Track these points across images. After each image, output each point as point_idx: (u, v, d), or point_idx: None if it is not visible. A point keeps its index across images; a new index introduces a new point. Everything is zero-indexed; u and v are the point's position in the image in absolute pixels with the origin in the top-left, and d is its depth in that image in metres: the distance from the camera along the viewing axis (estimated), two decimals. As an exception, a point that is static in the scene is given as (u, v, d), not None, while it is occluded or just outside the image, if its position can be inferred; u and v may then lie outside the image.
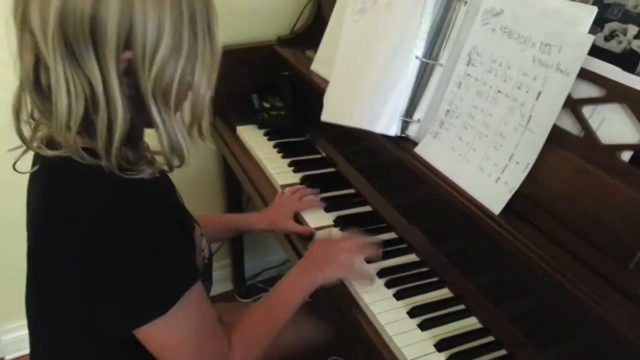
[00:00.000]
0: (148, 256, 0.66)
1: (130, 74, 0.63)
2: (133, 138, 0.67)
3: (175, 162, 0.71)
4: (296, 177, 1.31)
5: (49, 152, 0.67)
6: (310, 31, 1.58)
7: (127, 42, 0.61)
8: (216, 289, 2.02)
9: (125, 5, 0.59)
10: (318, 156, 1.41)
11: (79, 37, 0.59)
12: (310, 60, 1.44)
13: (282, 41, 1.61)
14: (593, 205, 0.78)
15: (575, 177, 0.81)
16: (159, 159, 0.71)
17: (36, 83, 0.63)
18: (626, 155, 0.76)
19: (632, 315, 0.70)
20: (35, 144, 0.69)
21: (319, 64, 1.38)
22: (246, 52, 1.59)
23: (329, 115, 1.19)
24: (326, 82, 1.31)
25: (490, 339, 0.92)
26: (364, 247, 1.01)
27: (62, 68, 0.60)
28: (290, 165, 1.35)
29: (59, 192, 0.68)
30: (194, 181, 1.77)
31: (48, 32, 0.59)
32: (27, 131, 0.69)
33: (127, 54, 0.62)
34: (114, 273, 0.65)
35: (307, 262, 0.99)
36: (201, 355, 0.75)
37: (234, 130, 1.53)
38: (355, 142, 1.29)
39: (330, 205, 1.20)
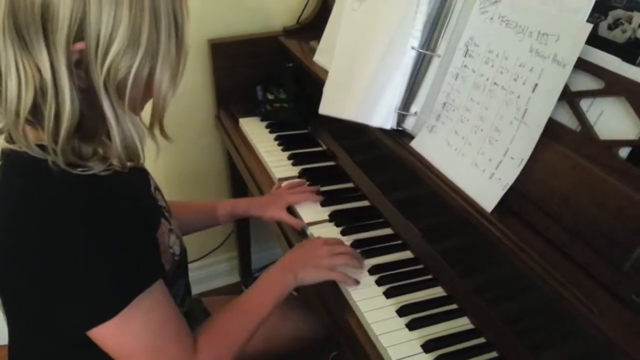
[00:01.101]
0: (99, 256, 0.64)
1: (82, 66, 0.62)
2: (88, 132, 0.65)
3: (126, 158, 0.68)
4: (294, 171, 1.29)
5: (4, 145, 0.66)
6: (317, 22, 1.55)
7: (79, 32, 0.59)
8: (223, 281, 2.04)
9: None
10: (319, 149, 1.39)
11: (30, 24, 0.58)
12: (314, 51, 1.41)
13: (287, 32, 1.58)
14: (588, 204, 0.74)
15: (571, 173, 0.77)
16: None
17: None
18: (624, 152, 0.72)
19: (624, 322, 0.66)
20: None
21: (321, 55, 1.35)
22: (251, 43, 1.57)
23: (326, 108, 1.17)
24: (327, 73, 1.28)
25: (482, 340, 0.88)
26: (347, 255, 0.97)
27: (12, 53, 0.59)
28: (289, 158, 1.33)
29: (13, 191, 0.66)
30: (200, 176, 1.76)
31: None
32: None
33: (80, 45, 0.60)
34: (66, 273, 0.63)
35: (283, 264, 0.95)
36: (161, 357, 0.72)
37: (237, 123, 1.52)
38: (355, 135, 1.26)
39: (326, 199, 1.18)
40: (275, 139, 1.41)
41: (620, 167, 0.71)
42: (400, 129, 1.05)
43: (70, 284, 0.64)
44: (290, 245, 1.15)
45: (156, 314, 0.70)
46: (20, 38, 0.58)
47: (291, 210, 1.16)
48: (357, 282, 0.95)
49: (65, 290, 0.65)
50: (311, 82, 1.39)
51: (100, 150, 0.66)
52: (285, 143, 1.38)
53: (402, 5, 0.99)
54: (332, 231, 1.10)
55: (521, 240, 0.78)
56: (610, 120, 0.74)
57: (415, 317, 0.90)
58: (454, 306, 0.94)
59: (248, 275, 2.02)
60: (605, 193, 0.72)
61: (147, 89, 0.67)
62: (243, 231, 1.89)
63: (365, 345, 0.87)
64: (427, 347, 0.85)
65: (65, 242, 0.63)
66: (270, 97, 1.53)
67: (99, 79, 0.61)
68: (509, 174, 0.84)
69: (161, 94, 0.68)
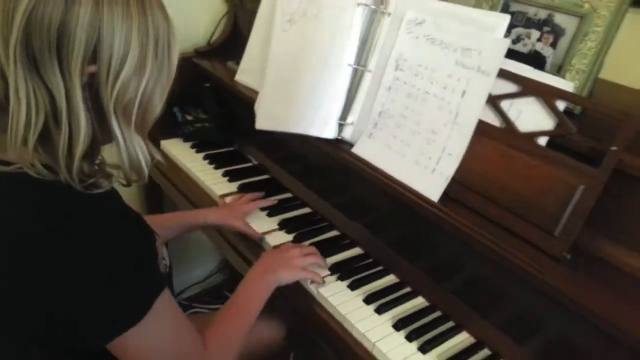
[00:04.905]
0: (116, 267, 0.66)
1: (91, 88, 0.64)
2: (90, 152, 0.67)
3: (134, 177, 0.72)
4: (233, 187, 1.33)
5: (2, 169, 0.64)
6: (228, 43, 1.61)
7: (93, 55, 0.61)
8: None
9: (94, 18, 0.60)
10: (249, 165, 1.45)
11: (44, 47, 0.59)
12: (232, 72, 1.47)
13: (199, 53, 1.61)
14: (519, 184, 0.90)
15: (502, 161, 0.93)
16: (117, 172, 0.72)
17: None
18: (543, 140, 0.90)
19: (562, 275, 0.83)
20: None
21: (244, 74, 1.41)
22: (163, 65, 1.57)
23: (263, 123, 1.23)
24: (252, 91, 1.35)
25: (438, 313, 1.02)
26: (315, 255, 1.07)
27: (23, 79, 0.59)
28: (224, 175, 1.37)
29: (18, 211, 0.65)
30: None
31: (10, 40, 0.58)
32: None
33: (92, 68, 0.62)
34: (84, 287, 0.64)
35: (263, 266, 1.01)
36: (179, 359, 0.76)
37: (157, 145, 1.51)
38: (286, 147, 1.34)
39: (272, 210, 1.24)
40: (205, 158, 1.43)
41: (541, 153, 0.89)
42: (339, 138, 1.16)
43: (91, 296, 0.64)
44: (240, 253, 1.20)
45: (170, 317, 0.74)
46: (32, 62, 0.59)
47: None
48: (324, 281, 1.04)
49: (87, 303, 0.65)
50: (233, 101, 1.45)
51: (105, 168, 0.69)
52: (215, 162, 1.41)
53: (337, 25, 1.10)
54: (284, 238, 1.16)
55: (467, 221, 0.93)
56: (528, 116, 0.92)
57: (380, 302, 1.01)
58: (409, 289, 1.06)
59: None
60: (531, 175, 0.89)
61: (145, 108, 0.70)
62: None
63: (344, 335, 0.96)
64: (398, 326, 0.96)
65: (82, 258, 0.63)
66: (189, 117, 1.55)
67: (109, 101, 0.64)
68: (449, 167, 0.98)
69: (151, 112, 0.72)
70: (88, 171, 0.66)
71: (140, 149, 0.70)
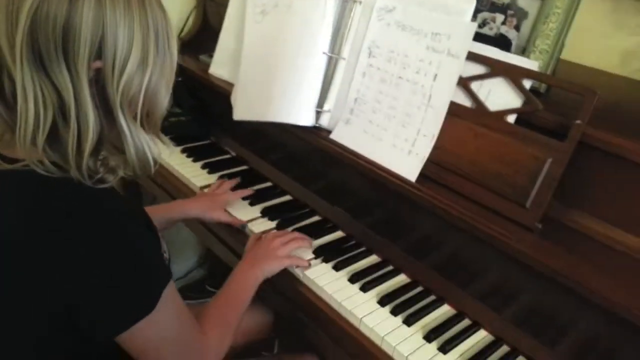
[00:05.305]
0: (129, 257, 0.68)
1: (97, 84, 0.65)
2: (97, 148, 0.69)
3: (140, 170, 0.74)
4: (212, 178, 1.35)
5: (8, 167, 0.66)
6: (198, 37, 1.62)
7: (98, 51, 0.63)
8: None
9: (98, 14, 0.62)
10: (228, 156, 1.46)
11: (50, 45, 0.60)
12: (204, 65, 1.48)
13: (170, 48, 1.61)
14: (491, 162, 0.95)
15: (474, 140, 0.98)
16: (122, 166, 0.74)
17: None
18: (511, 118, 0.95)
19: (534, 243, 0.88)
20: None
21: (217, 67, 1.43)
22: (134, 61, 1.57)
23: (241, 113, 1.25)
24: (227, 83, 1.37)
25: (420, 289, 1.06)
26: (297, 240, 1.09)
27: (30, 77, 0.61)
28: (203, 167, 1.38)
29: (30, 207, 0.66)
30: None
31: (16, 39, 0.59)
32: None
33: (97, 63, 0.64)
34: (101, 279, 0.66)
35: (249, 261, 1.03)
36: (182, 347, 0.78)
37: (133, 141, 1.51)
38: (263, 137, 1.37)
39: (254, 198, 1.26)
40: (182, 152, 1.45)
41: (510, 130, 0.94)
42: (316, 125, 1.19)
43: (108, 288, 0.66)
44: (225, 243, 1.22)
45: (175, 306, 0.76)
46: (38, 60, 0.60)
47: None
48: (310, 264, 1.07)
49: (104, 295, 0.66)
50: (208, 94, 1.46)
51: (111, 163, 0.70)
52: (193, 155, 1.43)
53: (310, 15, 1.13)
54: (268, 225, 1.19)
55: (446, 199, 0.97)
56: (497, 96, 0.96)
57: (365, 281, 1.05)
58: (391, 267, 1.11)
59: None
60: (503, 151, 0.94)
61: (150, 102, 0.72)
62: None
63: (333, 315, 0.99)
64: (383, 302, 1.00)
65: (98, 251, 0.65)
66: (164, 112, 1.55)
67: (115, 96, 0.66)
68: (424, 148, 1.03)
69: (160, 107, 0.74)
70: (93, 167, 0.68)
71: (147, 143, 0.72)
